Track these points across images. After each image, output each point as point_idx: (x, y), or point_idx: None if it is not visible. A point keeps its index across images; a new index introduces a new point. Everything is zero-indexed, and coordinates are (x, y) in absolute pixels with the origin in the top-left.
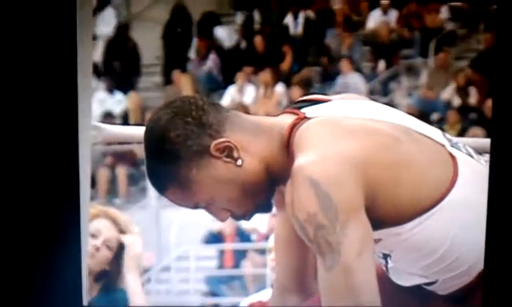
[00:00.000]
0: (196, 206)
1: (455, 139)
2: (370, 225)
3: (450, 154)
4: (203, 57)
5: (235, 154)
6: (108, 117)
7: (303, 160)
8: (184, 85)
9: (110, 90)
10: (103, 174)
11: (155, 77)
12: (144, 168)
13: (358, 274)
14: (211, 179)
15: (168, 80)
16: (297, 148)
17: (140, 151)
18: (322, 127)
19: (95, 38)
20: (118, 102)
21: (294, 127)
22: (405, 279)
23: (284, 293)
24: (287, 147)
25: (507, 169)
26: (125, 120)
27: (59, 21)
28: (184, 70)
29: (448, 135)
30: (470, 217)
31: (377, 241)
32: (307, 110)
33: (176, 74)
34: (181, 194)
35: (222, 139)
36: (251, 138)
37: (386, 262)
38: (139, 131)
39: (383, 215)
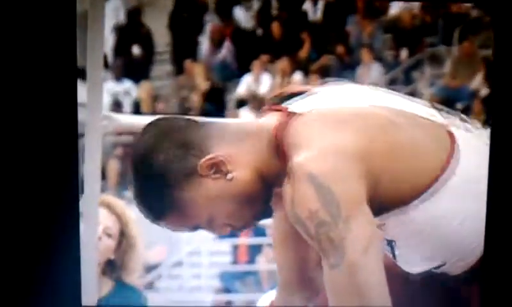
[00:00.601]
0: (196, 228)
1: (451, 115)
2: (374, 220)
3: (447, 131)
4: (217, 45)
5: (224, 168)
6: (117, 106)
7: (300, 157)
8: (197, 74)
9: (120, 79)
10: (113, 166)
11: (166, 65)
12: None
13: (364, 272)
14: (205, 198)
15: (179, 69)
16: (291, 147)
17: None
18: (314, 121)
19: (115, 28)
20: (128, 91)
21: (282, 127)
22: (414, 264)
23: (289, 291)
24: (278, 148)
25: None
26: (135, 110)
27: (58, 12)
28: (194, 58)
29: (444, 113)
30: (470, 193)
31: (380, 226)
32: (292, 105)
33: (188, 63)
34: (179, 219)
35: (208, 157)
36: (238, 148)
37: (393, 249)
38: (151, 120)
39: (385, 200)
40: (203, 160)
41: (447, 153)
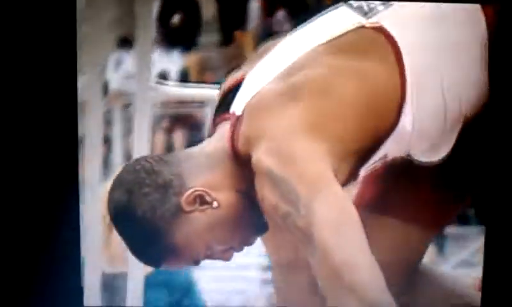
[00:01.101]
0: (197, 262)
1: (365, 3)
2: (344, 194)
3: (375, 28)
4: (269, 14)
5: (208, 198)
6: (164, 77)
7: (256, 155)
8: (246, 45)
9: (167, 49)
10: (159, 139)
11: (213, 35)
12: (203, 132)
13: (339, 254)
14: (197, 232)
15: (227, 39)
16: (248, 149)
17: (199, 113)
18: (255, 115)
19: None
20: (175, 61)
21: (233, 137)
22: (439, 150)
23: (284, 272)
24: (239, 159)
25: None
26: (183, 80)
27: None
28: (243, 28)
29: (357, 3)
30: (437, 62)
31: (384, 157)
32: (235, 108)
33: (238, 33)
34: (178, 260)
35: (189, 192)
36: (211, 174)
37: (413, 158)
38: (199, 91)
39: (368, 143)
40: (185, 196)
41: (393, 59)
